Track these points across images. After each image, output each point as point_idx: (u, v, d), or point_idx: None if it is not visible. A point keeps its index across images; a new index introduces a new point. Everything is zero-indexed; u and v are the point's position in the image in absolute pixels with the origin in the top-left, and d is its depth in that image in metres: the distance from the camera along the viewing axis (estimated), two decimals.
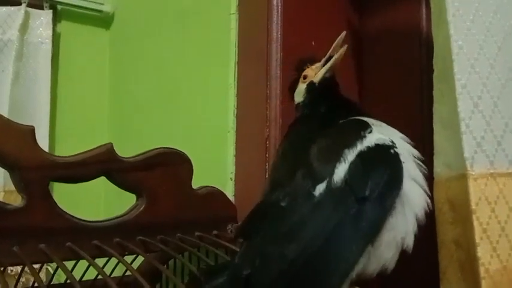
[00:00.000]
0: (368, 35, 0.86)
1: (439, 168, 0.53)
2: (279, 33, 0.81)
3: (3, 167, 0.61)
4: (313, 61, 0.59)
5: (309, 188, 0.44)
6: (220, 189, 0.79)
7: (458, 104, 0.46)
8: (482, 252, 0.45)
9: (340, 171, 0.44)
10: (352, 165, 0.44)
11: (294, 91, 0.61)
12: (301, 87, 0.59)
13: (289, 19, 0.81)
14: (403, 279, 0.57)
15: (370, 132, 0.47)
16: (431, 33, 0.73)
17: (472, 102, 0.46)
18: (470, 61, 0.46)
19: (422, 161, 0.49)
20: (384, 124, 0.52)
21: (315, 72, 0.57)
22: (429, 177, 0.56)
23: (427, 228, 0.54)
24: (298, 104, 0.60)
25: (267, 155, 0.79)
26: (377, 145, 0.46)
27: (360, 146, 0.45)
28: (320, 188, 0.43)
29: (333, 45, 0.57)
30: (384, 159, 0.45)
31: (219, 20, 0.92)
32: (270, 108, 0.80)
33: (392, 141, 0.47)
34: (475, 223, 0.45)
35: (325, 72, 0.56)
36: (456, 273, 0.50)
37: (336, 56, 0.55)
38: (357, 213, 0.42)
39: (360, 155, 0.45)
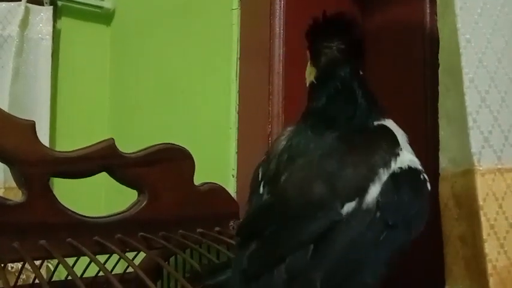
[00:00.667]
0: (371, 31, 0.85)
1: (444, 163, 0.52)
2: (282, 28, 0.80)
3: (3, 162, 0.60)
4: None
5: (336, 203, 0.41)
6: (222, 185, 0.79)
7: (466, 99, 0.45)
8: (490, 248, 0.44)
9: (373, 191, 0.41)
10: (385, 187, 0.42)
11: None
12: (311, 68, 0.54)
13: (291, 14, 0.81)
14: (408, 275, 0.57)
15: (401, 149, 0.45)
16: (434, 29, 0.73)
17: (479, 97, 0.45)
18: (478, 55, 0.46)
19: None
20: (395, 126, 0.50)
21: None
22: (434, 173, 0.56)
23: (432, 224, 0.53)
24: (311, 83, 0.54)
25: None
26: (410, 168, 0.44)
27: (394, 166, 0.43)
28: (349, 207, 0.41)
29: None
30: (416, 187, 0.44)
31: (221, 16, 0.92)
32: (272, 104, 0.80)
33: (420, 164, 0.45)
34: (482, 219, 0.44)
35: None
36: (462, 270, 0.50)
37: None
38: (385, 239, 0.41)
39: (393, 176, 0.43)
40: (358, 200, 0.41)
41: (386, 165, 0.43)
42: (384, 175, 0.42)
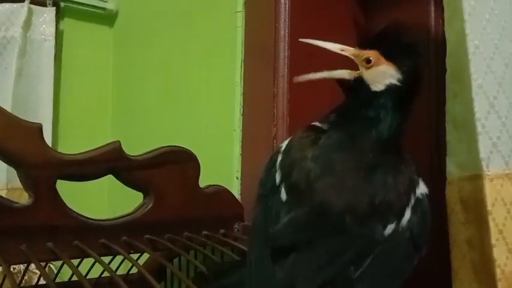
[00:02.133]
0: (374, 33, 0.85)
1: (451, 168, 0.53)
2: (287, 31, 0.80)
3: (10, 165, 0.60)
4: None
5: (379, 224, 0.42)
6: (226, 188, 0.79)
7: (474, 104, 0.46)
8: (498, 253, 0.44)
9: (407, 215, 0.44)
10: (413, 211, 0.44)
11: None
12: (391, 70, 0.48)
13: (296, 17, 0.81)
14: (415, 279, 0.57)
15: (418, 177, 0.47)
16: (439, 33, 0.73)
17: (488, 103, 0.46)
18: (486, 61, 0.46)
19: None
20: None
21: None
22: (441, 177, 0.57)
23: (439, 228, 0.53)
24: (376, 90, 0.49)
25: None
26: (426, 195, 0.46)
27: (418, 192, 0.45)
28: (390, 229, 0.43)
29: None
30: (429, 211, 0.46)
31: (225, 18, 0.91)
32: (277, 106, 0.80)
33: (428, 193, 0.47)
34: (491, 224, 0.45)
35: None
36: (469, 274, 0.50)
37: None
38: (410, 258, 0.44)
39: (417, 202, 0.45)
40: (396, 222, 0.43)
41: (414, 191, 0.45)
42: (412, 200, 0.45)
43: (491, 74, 0.46)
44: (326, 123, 0.51)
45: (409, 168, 0.47)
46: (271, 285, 0.41)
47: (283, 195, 0.46)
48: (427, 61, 0.74)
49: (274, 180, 0.48)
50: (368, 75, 0.49)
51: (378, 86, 0.48)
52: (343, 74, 0.51)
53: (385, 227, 0.42)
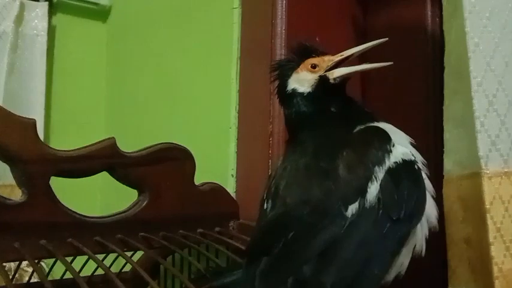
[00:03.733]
0: (373, 32, 0.85)
1: (449, 166, 0.53)
2: (283, 28, 0.80)
3: (4, 161, 0.59)
4: (322, 52, 0.54)
5: (339, 207, 0.42)
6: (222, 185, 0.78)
7: (474, 102, 0.46)
8: (496, 251, 0.44)
9: (373, 190, 0.42)
10: (383, 183, 0.43)
11: (287, 74, 0.55)
12: (307, 75, 0.53)
13: (293, 14, 0.80)
14: (412, 278, 0.57)
15: (394, 145, 0.45)
16: (437, 31, 0.73)
17: (487, 101, 0.46)
18: (486, 59, 0.46)
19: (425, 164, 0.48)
20: (392, 127, 0.50)
21: (327, 65, 0.53)
22: (438, 175, 0.57)
23: (438, 226, 0.53)
24: (295, 91, 0.53)
25: (270, 152, 0.78)
26: (404, 161, 0.45)
27: (388, 162, 0.44)
28: (353, 209, 0.42)
29: (367, 45, 0.53)
30: (412, 178, 0.44)
31: (221, 14, 0.91)
32: (273, 104, 0.79)
33: (413, 155, 0.46)
34: (489, 222, 0.45)
35: (350, 73, 0.53)
36: (466, 273, 0.50)
37: (373, 65, 0.53)
38: (388, 232, 0.42)
39: (389, 172, 0.43)
40: (360, 200, 0.42)
41: (381, 162, 0.44)
42: (380, 172, 0.43)
43: (490, 72, 0.46)
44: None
45: (373, 143, 0.46)
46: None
47: (265, 205, 0.49)
48: (424, 60, 0.74)
49: (264, 194, 0.51)
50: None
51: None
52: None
53: (346, 209, 0.42)
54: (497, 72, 0.46)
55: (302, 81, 0.53)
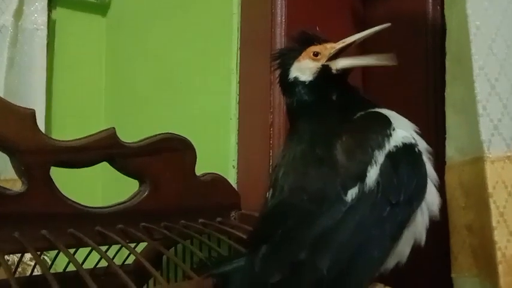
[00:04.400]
0: (373, 22, 0.84)
1: (451, 152, 0.52)
2: (283, 17, 0.79)
3: (3, 151, 0.59)
4: (324, 39, 0.54)
5: (339, 192, 0.42)
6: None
7: (475, 86, 0.45)
8: (499, 236, 0.44)
9: (372, 174, 0.42)
10: (383, 167, 0.42)
11: (289, 63, 0.54)
12: (309, 64, 0.53)
13: (293, 3, 0.80)
14: (414, 265, 0.57)
15: (394, 129, 0.45)
16: (437, 19, 0.73)
17: (489, 84, 0.45)
18: (487, 42, 0.45)
19: (430, 152, 0.48)
20: (395, 114, 0.49)
21: (330, 53, 0.52)
22: (440, 162, 0.56)
23: (440, 213, 0.53)
24: (297, 80, 0.53)
25: (271, 142, 0.78)
26: (404, 145, 0.44)
27: (388, 146, 0.44)
28: (352, 193, 0.42)
29: (369, 31, 0.53)
30: (412, 161, 0.44)
31: (221, 5, 0.90)
32: (274, 94, 0.79)
33: (414, 138, 0.45)
34: (492, 206, 0.44)
35: (354, 65, 0.52)
36: (468, 259, 0.50)
37: (378, 62, 0.52)
38: (388, 216, 0.42)
39: (389, 156, 0.43)
40: (359, 185, 0.42)
41: (381, 146, 0.44)
42: (380, 156, 0.43)
43: (492, 56, 0.45)
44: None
45: (373, 127, 0.46)
46: (249, 277, 0.42)
47: (268, 195, 0.49)
48: (425, 48, 0.74)
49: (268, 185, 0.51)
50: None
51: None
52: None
53: (345, 194, 0.41)
54: (499, 55, 0.46)
55: (304, 69, 0.53)
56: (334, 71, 0.52)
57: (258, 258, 0.42)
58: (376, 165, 0.42)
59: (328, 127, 0.48)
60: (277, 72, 0.56)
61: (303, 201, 0.42)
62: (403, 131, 0.45)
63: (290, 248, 0.41)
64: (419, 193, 0.43)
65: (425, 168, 0.44)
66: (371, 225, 0.41)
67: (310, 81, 0.52)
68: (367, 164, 0.42)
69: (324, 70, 0.52)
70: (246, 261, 0.44)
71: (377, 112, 0.48)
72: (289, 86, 0.54)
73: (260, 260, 0.41)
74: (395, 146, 0.44)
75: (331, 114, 0.50)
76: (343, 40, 0.53)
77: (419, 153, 0.45)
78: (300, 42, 0.54)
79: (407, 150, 0.44)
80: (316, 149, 0.46)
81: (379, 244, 0.41)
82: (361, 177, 0.42)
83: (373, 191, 0.42)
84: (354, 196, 0.41)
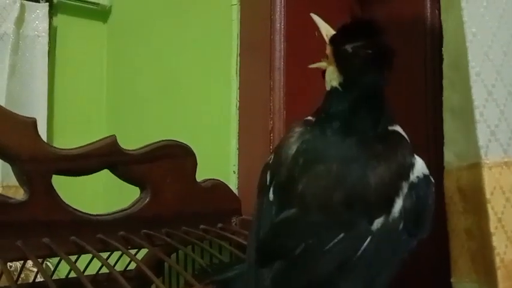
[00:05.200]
0: None
1: (449, 157, 0.53)
2: (282, 23, 0.80)
3: (5, 160, 0.60)
4: None
5: (366, 219, 0.41)
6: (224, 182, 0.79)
7: (472, 92, 0.45)
8: (498, 241, 0.44)
9: (397, 205, 0.42)
10: (406, 199, 0.42)
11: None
12: (334, 72, 0.47)
13: (292, 9, 0.80)
14: (413, 270, 0.57)
15: (415, 157, 0.44)
16: (436, 23, 0.73)
17: (486, 91, 0.45)
18: (484, 48, 0.46)
19: None
20: (403, 133, 0.48)
21: None
22: (436, 167, 0.56)
23: (438, 218, 0.53)
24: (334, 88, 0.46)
25: (271, 148, 0.78)
26: (424, 176, 0.43)
27: (412, 177, 0.43)
28: (378, 223, 0.41)
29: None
30: (429, 193, 0.44)
31: (220, 11, 0.91)
32: (273, 100, 0.79)
33: (427, 166, 0.45)
34: (490, 212, 0.45)
35: None
36: (468, 263, 0.50)
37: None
38: (404, 245, 0.42)
39: (412, 187, 0.42)
40: (385, 215, 0.41)
41: (406, 177, 0.43)
42: (405, 187, 0.42)
43: (489, 62, 0.46)
44: (315, 118, 0.49)
45: (398, 153, 0.44)
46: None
47: (271, 195, 0.46)
48: (423, 52, 0.74)
49: (266, 180, 0.47)
50: (326, 71, 0.47)
51: (328, 85, 0.47)
52: (322, 65, 0.48)
53: (371, 223, 0.41)
54: (495, 61, 0.46)
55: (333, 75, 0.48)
56: None
57: (271, 274, 0.41)
58: (401, 197, 0.42)
59: (365, 141, 0.45)
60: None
61: (327, 221, 0.41)
62: (420, 159, 0.45)
63: (311, 268, 0.40)
64: (429, 224, 0.44)
65: (433, 200, 0.44)
66: (390, 253, 0.41)
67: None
68: (395, 195, 0.42)
69: None
70: (252, 272, 0.43)
71: (401, 134, 0.46)
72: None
73: (273, 277, 0.40)
74: (417, 177, 0.43)
75: (372, 121, 0.46)
76: None
77: (432, 184, 0.44)
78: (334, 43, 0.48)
79: (426, 181, 0.44)
80: (349, 165, 0.43)
81: (390, 271, 0.42)
82: (388, 207, 0.41)
83: (396, 223, 0.41)
84: (379, 226, 0.41)
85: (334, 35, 0.47)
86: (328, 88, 0.47)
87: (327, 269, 0.40)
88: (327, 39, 0.47)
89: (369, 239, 0.40)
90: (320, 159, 0.44)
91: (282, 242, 0.42)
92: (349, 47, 0.45)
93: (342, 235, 0.40)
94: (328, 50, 0.47)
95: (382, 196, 0.42)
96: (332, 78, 0.46)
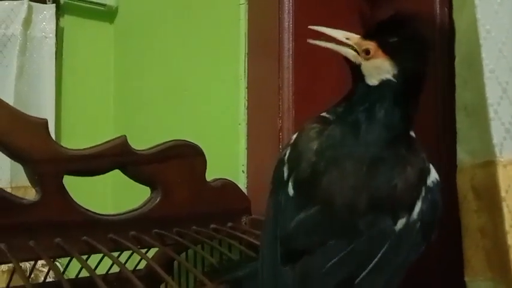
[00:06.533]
0: None
1: (462, 156, 0.52)
2: (291, 22, 0.80)
3: (17, 161, 0.60)
4: None
5: (391, 220, 0.42)
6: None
7: (486, 90, 0.45)
8: None
9: (417, 207, 0.43)
10: (424, 202, 0.43)
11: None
12: (386, 65, 0.45)
13: (300, 8, 0.80)
14: (426, 269, 0.57)
15: (429, 164, 0.45)
16: (445, 21, 0.73)
17: (500, 88, 0.45)
18: (498, 45, 0.45)
19: None
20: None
21: None
22: (450, 165, 0.56)
23: (451, 216, 0.53)
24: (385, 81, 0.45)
25: (280, 147, 0.78)
26: (437, 181, 0.45)
27: (428, 181, 0.44)
28: (401, 223, 0.42)
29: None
30: (440, 198, 0.45)
31: (228, 11, 0.91)
32: (282, 99, 0.79)
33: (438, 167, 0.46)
34: (505, 210, 0.44)
35: None
36: (482, 263, 0.50)
37: None
38: (419, 246, 0.43)
39: (428, 191, 0.43)
40: (407, 216, 0.42)
41: (425, 181, 0.44)
42: (423, 192, 0.43)
43: (503, 59, 0.45)
44: (333, 114, 0.49)
45: (419, 158, 0.44)
46: (282, 286, 0.41)
47: (291, 190, 0.45)
48: (433, 50, 0.74)
49: (283, 175, 0.47)
50: (365, 67, 0.46)
51: (372, 81, 0.46)
52: (349, 53, 0.48)
53: (395, 223, 0.41)
54: (509, 58, 0.46)
55: (383, 69, 0.47)
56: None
57: (293, 270, 0.41)
58: (420, 200, 0.43)
59: (393, 142, 0.45)
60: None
61: (354, 219, 0.41)
62: (433, 170, 0.45)
63: (335, 268, 0.40)
64: (435, 232, 0.44)
65: (442, 204, 0.45)
66: (404, 254, 0.42)
67: (388, 82, 0.46)
68: (417, 198, 0.43)
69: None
70: (271, 270, 0.42)
71: (417, 139, 0.47)
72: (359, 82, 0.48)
73: (299, 273, 0.40)
74: (432, 182, 0.44)
75: (397, 122, 0.45)
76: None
77: (441, 190, 0.45)
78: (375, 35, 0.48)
79: (438, 186, 0.45)
80: (377, 166, 0.43)
81: (402, 272, 0.42)
82: (410, 209, 0.42)
83: (415, 224, 0.42)
84: (402, 226, 0.42)
85: (373, 30, 0.47)
86: (372, 82, 0.46)
87: (349, 268, 0.40)
88: (351, 41, 0.48)
89: (392, 238, 0.41)
90: (348, 157, 0.44)
91: (306, 240, 0.42)
92: (398, 39, 0.45)
93: (365, 236, 0.41)
94: (372, 45, 0.46)
95: (406, 199, 0.42)
96: (382, 72, 0.45)
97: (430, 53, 0.47)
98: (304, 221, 0.42)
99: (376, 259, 0.40)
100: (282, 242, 0.43)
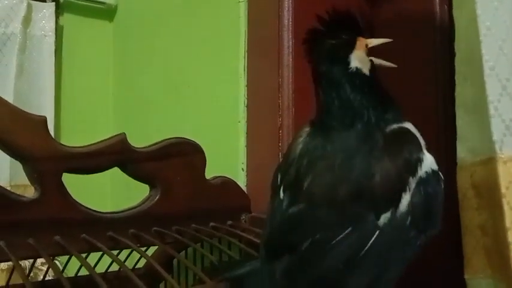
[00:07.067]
0: (380, 23, 0.84)
1: (462, 153, 0.52)
2: (290, 20, 0.79)
3: (16, 158, 0.60)
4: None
5: (373, 214, 0.41)
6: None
7: (486, 87, 0.45)
8: None
9: (405, 200, 0.42)
10: (414, 194, 0.42)
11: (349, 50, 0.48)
12: (365, 57, 0.48)
13: (300, 6, 0.80)
14: (426, 266, 0.56)
15: (424, 153, 0.44)
16: (446, 19, 0.73)
17: (500, 85, 0.45)
18: (498, 42, 0.45)
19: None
20: (415, 130, 0.47)
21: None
22: (449, 163, 0.56)
23: (451, 214, 0.53)
24: (359, 72, 0.47)
25: (279, 145, 0.78)
26: (433, 172, 0.43)
27: (420, 172, 0.43)
28: (385, 218, 0.41)
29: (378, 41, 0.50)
30: (438, 189, 0.44)
31: (227, 9, 0.91)
32: (282, 97, 0.79)
33: (436, 162, 0.45)
34: (505, 207, 0.44)
35: (381, 64, 0.50)
36: (482, 260, 0.50)
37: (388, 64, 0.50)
38: (412, 242, 0.42)
39: (420, 183, 0.42)
40: (392, 210, 0.41)
41: (414, 172, 0.43)
42: (412, 183, 0.42)
43: (503, 56, 0.45)
44: (318, 116, 0.50)
45: (406, 149, 0.44)
46: (269, 285, 0.42)
47: (281, 194, 0.47)
48: (433, 48, 0.74)
49: (277, 181, 0.48)
50: (358, 56, 0.49)
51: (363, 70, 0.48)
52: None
53: (378, 217, 0.41)
54: (509, 55, 0.45)
55: (363, 61, 0.48)
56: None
57: (280, 268, 0.41)
58: (408, 192, 0.42)
59: (368, 136, 0.45)
60: (329, 57, 0.49)
61: (334, 215, 0.41)
62: (429, 155, 0.44)
63: (319, 263, 0.40)
64: (438, 221, 0.43)
65: (443, 196, 0.44)
66: (397, 249, 0.41)
67: (368, 76, 0.48)
68: (402, 190, 0.42)
69: (373, 66, 0.48)
70: (264, 267, 0.43)
71: (409, 131, 0.46)
72: (349, 76, 0.47)
73: (283, 271, 0.41)
74: (426, 172, 0.43)
75: (368, 118, 0.46)
76: (370, 40, 0.50)
77: (442, 180, 0.44)
78: (353, 29, 0.49)
79: (434, 177, 0.43)
80: (353, 160, 0.43)
81: (398, 268, 0.42)
82: (395, 202, 0.41)
83: (403, 218, 0.41)
84: (386, 220, 0.41)
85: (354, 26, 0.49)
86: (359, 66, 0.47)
87: (334, 264, 0.40)
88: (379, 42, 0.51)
89: (376, 234, 0.41)
90: (323, 156, 0.45)
91: (290, 237, 0.43)
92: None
93: (349, 229, 0.41)
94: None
95: (388, 190, 0.42)
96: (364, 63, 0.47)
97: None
98: (287, 220, 0.44)
99: (361, 253, 0.40)
100: (267, 240, 0.44)
